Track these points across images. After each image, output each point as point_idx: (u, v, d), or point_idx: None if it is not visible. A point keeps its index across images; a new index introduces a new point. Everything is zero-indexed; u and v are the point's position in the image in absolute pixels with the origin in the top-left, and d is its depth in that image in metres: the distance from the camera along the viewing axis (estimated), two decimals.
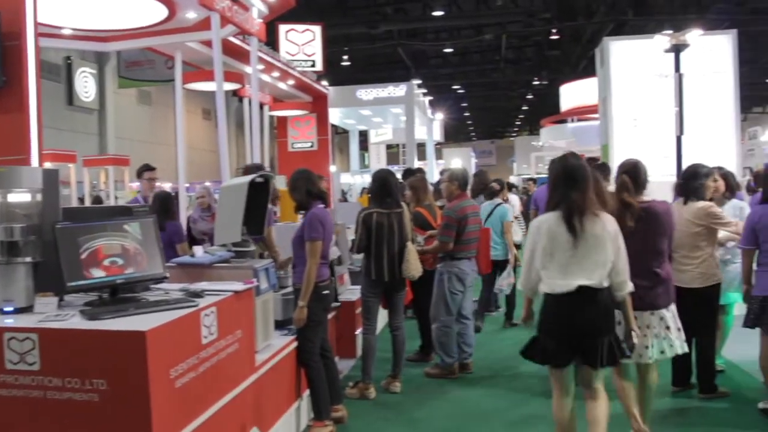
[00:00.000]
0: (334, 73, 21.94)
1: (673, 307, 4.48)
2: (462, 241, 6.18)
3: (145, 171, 7.80)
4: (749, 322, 5.05)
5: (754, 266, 5.12)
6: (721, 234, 5.46)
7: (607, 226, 3.83)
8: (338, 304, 6.08)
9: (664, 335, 4.40)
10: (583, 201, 3.78)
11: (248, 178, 4.68)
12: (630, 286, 3.92)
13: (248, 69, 9.99)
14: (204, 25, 8.41)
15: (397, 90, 19.23)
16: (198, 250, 4.75)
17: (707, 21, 17.93)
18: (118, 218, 3.66)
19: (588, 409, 3.97)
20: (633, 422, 4.43)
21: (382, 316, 6.43)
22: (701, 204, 5.26)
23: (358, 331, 6.75)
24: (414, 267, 5.77)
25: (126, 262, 3.53)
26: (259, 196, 4.70)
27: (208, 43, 8.77)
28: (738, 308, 5.77)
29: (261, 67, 11.17)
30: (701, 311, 5.35)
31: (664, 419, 5.23)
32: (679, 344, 4.42)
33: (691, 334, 5.42)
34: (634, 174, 4.55)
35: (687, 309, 5.46)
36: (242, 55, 10.10)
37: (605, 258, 3.78)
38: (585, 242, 3.76)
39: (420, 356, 6.94)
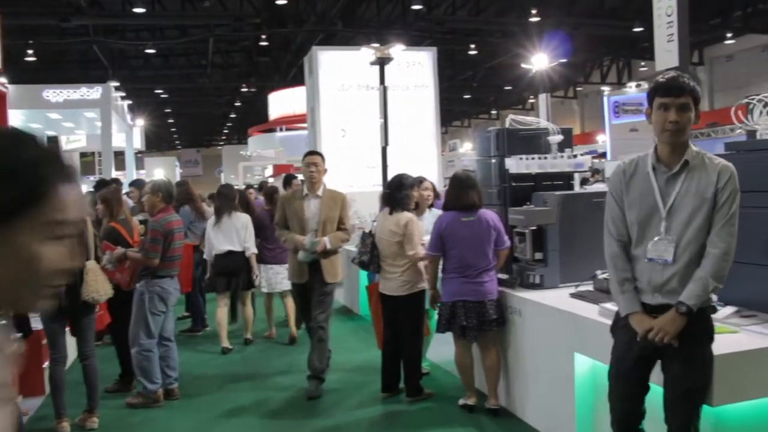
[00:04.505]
0: (15, 69, 20.10)
1: None
2: (166, 257, 6.02)
3: None
4: (441, 327, 5.55)
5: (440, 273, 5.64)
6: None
7: (240, 219, 7.92)
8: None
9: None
10: (222, 206, 7.93)
11: None
12: (253, 250, 7.95)
13: None
14: None
15: (92, 92, 18.20)
16: None
17: (411, 37, 19.44)
18: None
19: (244, 311, 8.36)
20: (271, 329, 8.65)
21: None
22: (403, 215, 5.74)
23: (46, 365, 6.27)
24: (93, 288, 5.43)
25: None
26: None
27: None
28: None
29: None
30: (407, 318, 5.82)
31: (373, 425, 5.58)
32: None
33: (399, 340, 5.89)
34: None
35: (394, 316, 5.90)
36: None
37: (240, 236, 7.82)
38: (228, 227, 7.83)
39: (120, 385, 6.61)
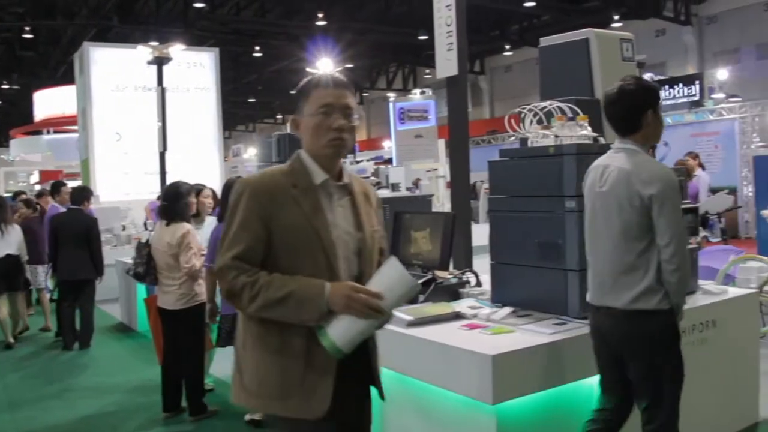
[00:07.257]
0: None
1: None
2: None
3: None
4: (222, 341, 5.48)
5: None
6: None
7: (15, 227, 8.68)
8: None
9: None
10: (4, 216, 8.62)
11: None
12: (25, 254, 8.85)
13: None
14: None
15: None
16: None
17: (194, 36, 19.04)
18: None
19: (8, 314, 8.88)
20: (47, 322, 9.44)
21: None
22: (180, 226, 5.58)
23: None
24: None
25: None
26: None
27: None
28: None
29: None
30: (186, 333, 5.65)
31: None
32: None
33: (180, 355, 5.71)
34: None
35: (173, 330, 5.72)
36: None
37: (18, 241, 8.58)
38: (7, 234, 8.53)
39: None
